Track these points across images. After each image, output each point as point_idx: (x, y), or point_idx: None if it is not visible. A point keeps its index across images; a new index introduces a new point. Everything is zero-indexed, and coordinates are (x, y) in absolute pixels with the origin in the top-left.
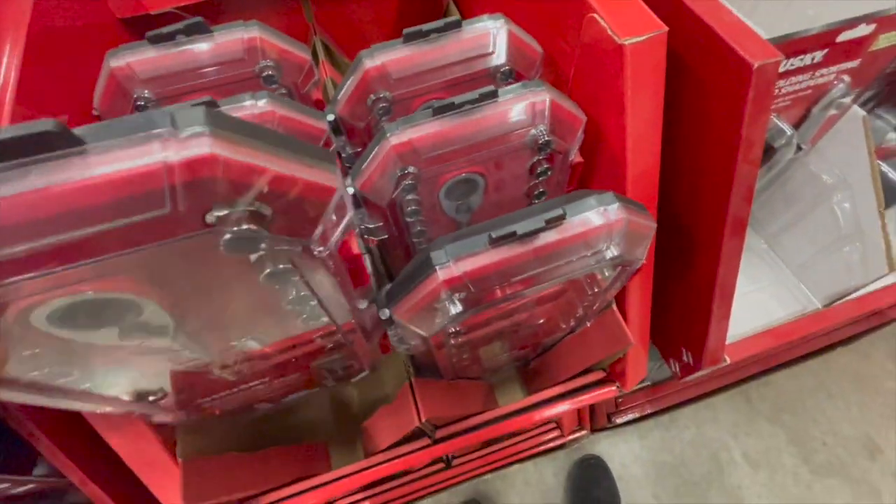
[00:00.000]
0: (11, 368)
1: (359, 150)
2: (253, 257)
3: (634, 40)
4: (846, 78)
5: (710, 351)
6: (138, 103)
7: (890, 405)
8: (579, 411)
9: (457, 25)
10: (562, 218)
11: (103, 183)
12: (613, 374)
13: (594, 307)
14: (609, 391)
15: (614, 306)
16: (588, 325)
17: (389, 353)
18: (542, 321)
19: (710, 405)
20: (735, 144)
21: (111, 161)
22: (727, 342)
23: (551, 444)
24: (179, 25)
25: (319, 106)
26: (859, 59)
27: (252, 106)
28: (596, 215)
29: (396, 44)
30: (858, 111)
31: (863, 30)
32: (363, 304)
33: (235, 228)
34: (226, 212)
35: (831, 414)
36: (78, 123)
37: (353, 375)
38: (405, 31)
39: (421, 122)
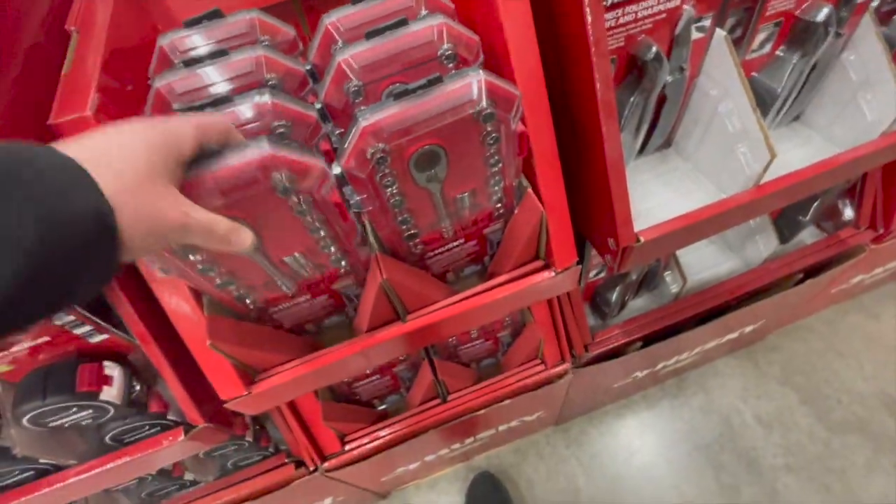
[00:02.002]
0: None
1: (342, 131)
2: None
3: None
4: (691, 4)
5: (621, 229)
6: None
7: None
8: (559, 342)
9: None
10: (440, 80)
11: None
12: (551, 262)
13: (505, 182)
14: (546, 273)
15: (530, 190)
16: (515, 212)
17: None
18: (466, 194)
19: (717, 371)
20: (586, 42)
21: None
22: (644, 228)
23: (537, 377)
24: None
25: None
26: None
27: (259, 99)
28: (466, 80)
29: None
30: (720, 32)
31: None
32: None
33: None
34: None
35: (844, 373)
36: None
37: None
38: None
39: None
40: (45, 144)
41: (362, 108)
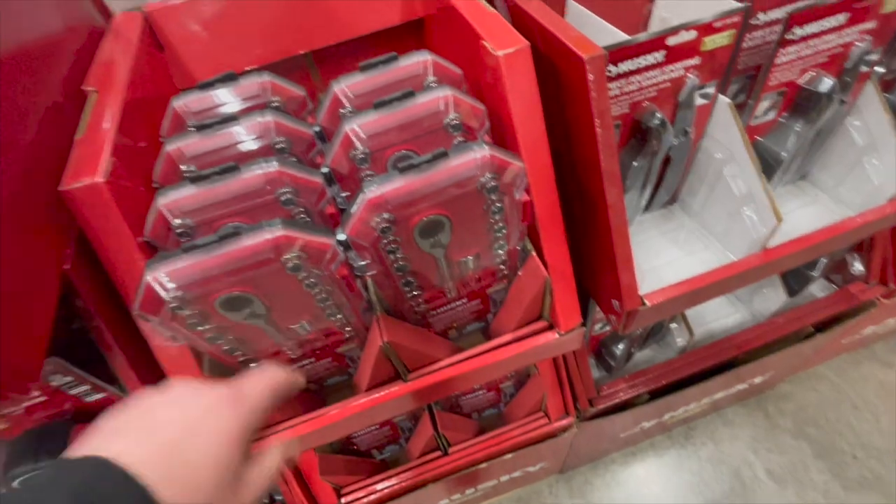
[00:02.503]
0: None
1: (348, 194)
2: (300, 276)
3: (505, 52)
4: (695, 72)
5: (626, 293)
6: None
7: None
8: (563, 396)
9: (412, 94)
10: (445, 155)
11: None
12: (555, 322)
13: (509, 246)
14: (550, 334)
15: (533, 252)
16: (519, 274)
17: None
18: (469, 258)
19: (727, 420)
20: (589, 112)
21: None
22: (651, 291)
23: (540, 431)
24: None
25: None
26: (698, 57)
27: (266, 168)
28: (470, 154)
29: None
30: (724, 99)
31: (685, 35)
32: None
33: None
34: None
35: (859, 426)
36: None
37: None
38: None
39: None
40: (118, 467)
41: (368, 175)
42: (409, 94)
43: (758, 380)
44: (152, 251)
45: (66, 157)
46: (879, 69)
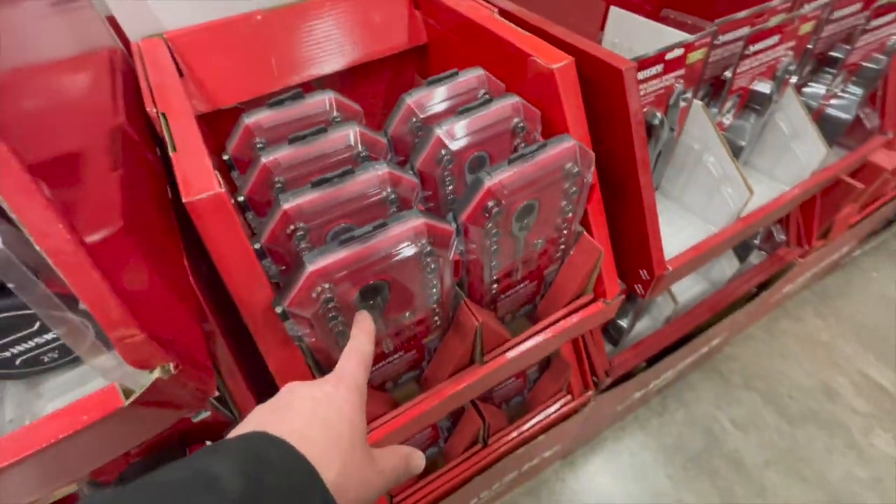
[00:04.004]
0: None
1: (430, 193)
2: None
3: (558, 65)
4: (681, 81)
5: (655, 260)
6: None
7: (828, 353)
8: (581, 372)
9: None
10: (544, 145)
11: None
12: (601, 293)
13: (571, 230)
14: (598, 304)
15: (585, 233)
16: (571, 254)
17: None
18: (539, 240)
19: (691, 385)
20: (626, 113)
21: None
22: (666, 259)
23: (567, 409)
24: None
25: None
26: (683, 69)
27: (378, 170)
28: (561, 145)
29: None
30: (698, 102)
31: (677, 52)
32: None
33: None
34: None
35: (789, 372)
36: None
37: None
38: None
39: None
40: (282, 440)
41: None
42: (488, 102)
43: (716, 341)
44: (260, 258)
45: (139, 174)
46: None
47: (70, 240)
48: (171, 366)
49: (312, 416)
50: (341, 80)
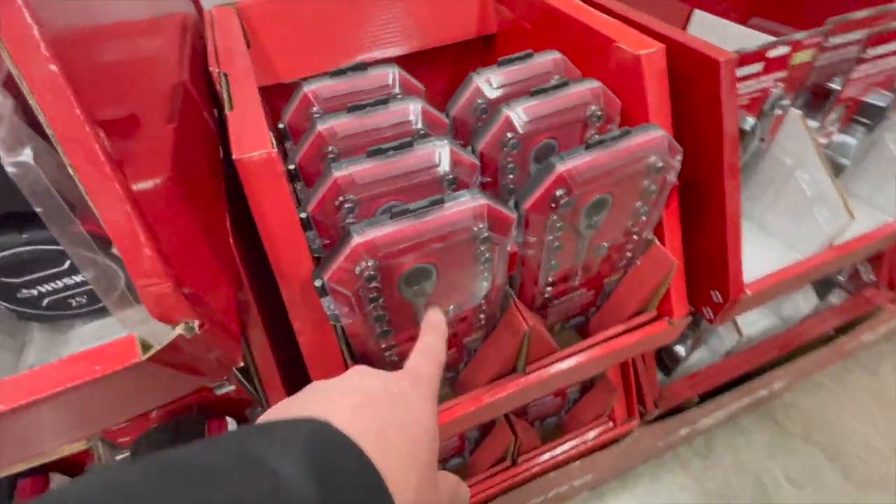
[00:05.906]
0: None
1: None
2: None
3: (646, 52)
4: (780, 85)
5: (732, 282)
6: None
7: None
8: (627, 398)
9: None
10: (619, 136)
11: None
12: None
13: (641, 236)
14: (661, 324)
15: (656, 241)
16: (638, 263)
17: None
18: (605, 244)
19: (742, 429)
20: (719, 111)
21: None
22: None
23: (606, 437)
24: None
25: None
26: (786, 71)
27: (437, 145)
28: (647, 134)
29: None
30: (795, 111)
31: (782, 49)
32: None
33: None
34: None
35: (860, 429)
36: None
37: None
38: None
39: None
40: (354, 444)
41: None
42: (564, 84)
43: (778, 385)
44: (305, 229)
45: (202, 129)
46: None
47: (109, 171)
48: (196, 324)
49: (391, 416)
50: (400, 66)
